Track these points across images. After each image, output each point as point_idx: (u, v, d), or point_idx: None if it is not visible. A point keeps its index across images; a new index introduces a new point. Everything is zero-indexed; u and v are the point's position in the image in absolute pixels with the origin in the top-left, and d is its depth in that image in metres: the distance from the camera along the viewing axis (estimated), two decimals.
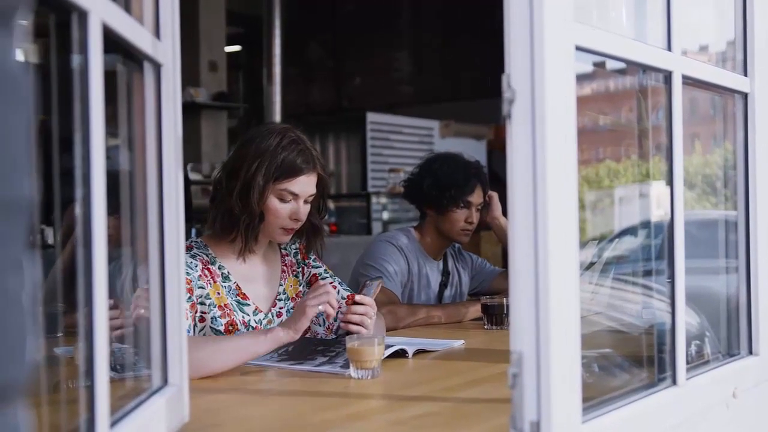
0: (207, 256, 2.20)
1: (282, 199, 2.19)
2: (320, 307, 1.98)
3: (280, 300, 2.32)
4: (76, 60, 1.02)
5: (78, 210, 1.02)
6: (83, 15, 0.99)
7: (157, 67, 1.35)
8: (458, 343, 2.34)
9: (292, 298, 2.35)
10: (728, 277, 1.96)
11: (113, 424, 1.10)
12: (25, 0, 0.56)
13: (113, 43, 1.12)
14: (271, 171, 2.16)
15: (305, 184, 2.21)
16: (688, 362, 1.56)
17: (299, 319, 1.98)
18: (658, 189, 1.89)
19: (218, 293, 2.17)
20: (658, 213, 1.95)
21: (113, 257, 1.09)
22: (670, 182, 1.54)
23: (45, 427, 1.13)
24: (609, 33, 1.39)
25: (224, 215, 2.20)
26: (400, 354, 2.11)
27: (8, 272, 0.54)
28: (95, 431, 1.00)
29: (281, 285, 2.34)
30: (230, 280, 2.22)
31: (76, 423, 1.05)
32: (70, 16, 1.00)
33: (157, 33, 1.35)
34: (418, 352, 2.17)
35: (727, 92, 1.83)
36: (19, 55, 0.56)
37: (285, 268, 2.38)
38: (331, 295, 2.01)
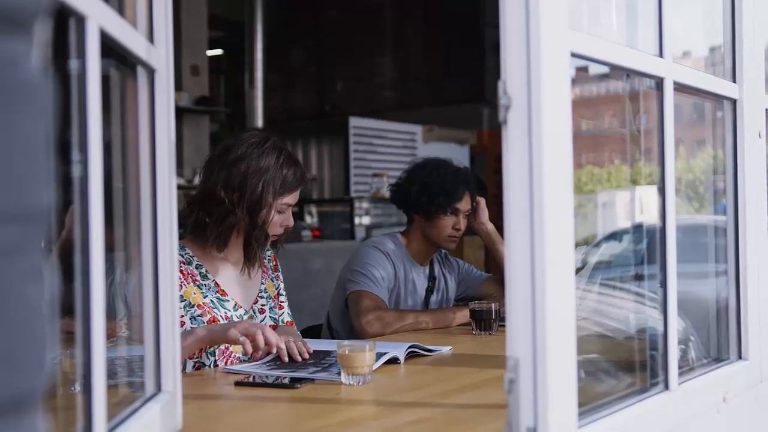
0: (182, 256, 2.23)
1: (280, 212, 2.31)
2: (241, 339, 1.98)
3: (262, 297, 2.41)
4: (73, 64, 1.01)
5: (75, 216, 1.01)
6: (81, 20, 0.99)
7: (150, 72, 1.34)
8: (446, 349, 2.35)
9: (273, 297, 2.45)
10: (716, 281, 1.97)
11: (109, 431, 1.09)
12: (43, 7, 0.56)
13: (108, 47, 1.11)
14: (277, 189, 2.27)
15: (297, 195, 2.35)
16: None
17: (221, 335, 2.01)
18: (642, 194, 1.90)
19: (194, 293, 2.23)
20: (643, 218, 1.96)
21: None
22: (662, 188, 1.54)
23: None
24: (603, 40, 1.40)
25: (228, 230, 2.26)
26: (391, 360, 2.11)
27: (29, 280, 0.54)
28: None
29: (263, 284, 2.43)
30: (209, 279, 2.28)
31: (72, 430, 1.04)
32: (66, 21, 1.00)
33: (150, 38, 1.34)
34: (410, 356, 2.17)
35: (715, 98, 1.84)
36: (38, 63, 0.56)
37: (265, 268, 2.47)
38: (258, 336, 2.00)
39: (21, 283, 0.53)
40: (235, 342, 1.99)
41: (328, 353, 2.17)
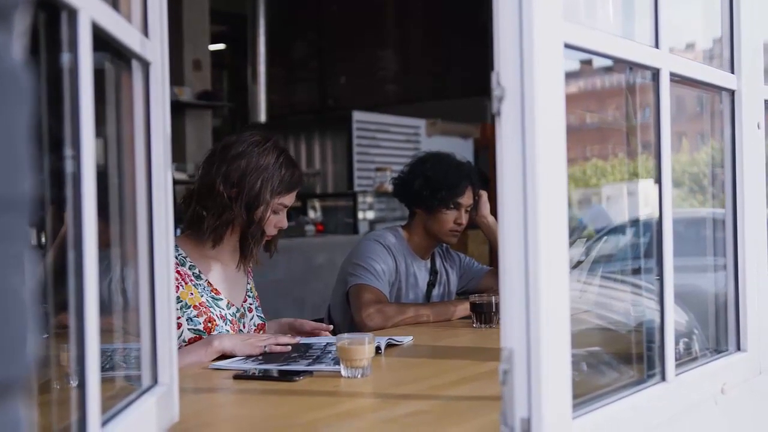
0: (176, 257, 2.24)
1: (275, 212, 2.32)
2: (266, 349, 2.13)
3: (249, 297, 2.45)
4: (65, 58, 1.01)
5: (68, 211, 1.01)
6: (73, 13, 0.99)
7: (145, 65, 1.34)
8: (408, 339, 2.37)
9: (256, 296, 2.50)
10: (716, 274, 1.97)
11: (104, 423, 1.09)
12: None
13: (101, 41, 1.11)
14: (275, 187, 2.29)
15: (293, 197, 2.38)
16: (676, 359, 1.56)
17: (245, 349, 2.11)
18: (645, 187, 1.90)
19: (191, 294, 2.26)
20: (645, 211, 1.96)
21: (100, 258, 1.08)
22: (658, 180, 1.54)
23: (35, 428, 1.13)
24: (597, 30, 1.39)
25: (224, 225, 2.28)
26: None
27: (11, 269, 0.54)
28: (86, 431, 1.00)
29: (249, 284, 2.48)
30: (202, 279, 2.31)
31: (67, 423, 1.05)
32: (59, 14, 1.00)
33: (145, 31, 1.34)
34: (407, 350, 2.19)
35: (714, 89, 1.84)
36: (19, 54, 0.56)
37: (249, 269, 2.50)
38: (280, 340, 2.19)
39: (2, 271, 0.54)
40: (259, 352, 2.12)
41: (309, 346, 2.20)
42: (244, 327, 2.37)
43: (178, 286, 2.21)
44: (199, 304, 2.25)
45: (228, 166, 2.27)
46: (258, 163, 2.27)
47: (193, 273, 2.30)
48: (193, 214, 2.29)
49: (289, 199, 2.35)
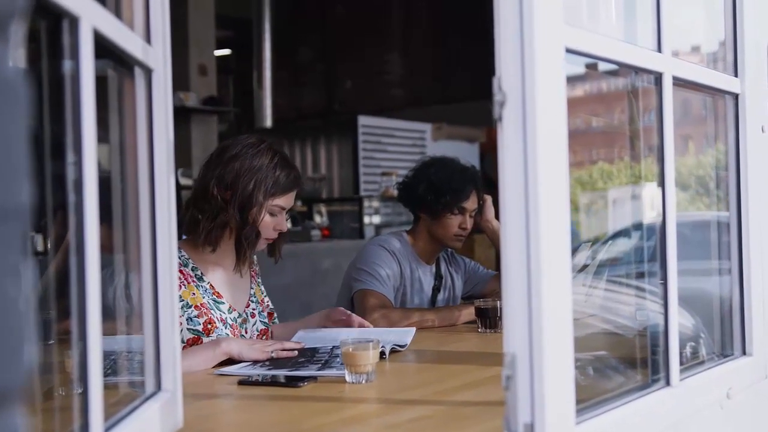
0: (179, 258, 2.25)
1: (272, 214, 2.32)
2: (273, 354, 2.14)
3: (252, 302, 2.45)
4: (66, 65, 1.02)
5: (70, 217, 1.01)
6: (74, 21, 0.99)
7: (148, 72, 1.35)
8: (411, 333, 2.41)
9: (260, 302, 2.48)
10: (721, 278, 1.96)
11: (107, 430, 1.09)
12: (21, 7, 0.56)
13: (104, 48, 1.12)
14: (269, 188, 2.28)
15: (292, 199, 2.36)
16: (682, 363, 1.56)
17: (251, 354, 2.11)
18: (651, 190, 1.90)
19: (193, 294, 2.27)
20: (651, 215, 1.96)
21: (104, 264, 1.09)
22: (662, 183, 1.54)
23: None
24: (599, 35, 1.39)
25: (219, 228, 2.28)
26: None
27: (7, 277, 0.54)
28: None
29: (252, 289, 2.47)
30: (204, 281, 2.31)
31: (70, 429, 1.05)
32: (60, 22, 1.00)
33: (147, 38, 1.35)
34: (392, 352, 2.21)
35: (717, 93, 1.83)
36: (16, 62, 0.56)
37: (253, 274, 2.50)
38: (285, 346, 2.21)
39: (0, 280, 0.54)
40: (266, 357, 2.12)
41: (315, 351, 2.20)
42: (246, 332, 2.37)
43: (180, 285, 2.21)
44: (201, 304, 2.26)
45: (222, 168, 2.28)
46: (251, 164, 2.27)
47: (196, 275, 2.30)
48: (190, 218, 2.30)
49: (285, 201, 2.33)
